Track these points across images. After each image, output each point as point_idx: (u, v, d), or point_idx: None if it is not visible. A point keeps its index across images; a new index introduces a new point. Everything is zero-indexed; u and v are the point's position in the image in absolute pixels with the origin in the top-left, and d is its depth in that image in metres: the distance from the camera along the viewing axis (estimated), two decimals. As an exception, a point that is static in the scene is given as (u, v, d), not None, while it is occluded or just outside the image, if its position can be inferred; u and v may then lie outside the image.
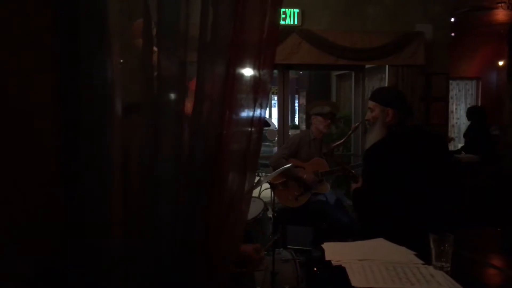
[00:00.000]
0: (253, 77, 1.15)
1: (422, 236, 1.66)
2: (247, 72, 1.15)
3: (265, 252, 2.73)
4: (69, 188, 0.98)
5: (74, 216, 0.98)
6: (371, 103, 2.57)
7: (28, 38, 0.89)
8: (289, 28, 4.84)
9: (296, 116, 14.81)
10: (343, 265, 1.66)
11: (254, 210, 3.10)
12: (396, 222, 2.27)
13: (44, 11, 0.94)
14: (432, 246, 1.61)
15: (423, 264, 1.66)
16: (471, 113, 6.43)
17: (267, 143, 9.13)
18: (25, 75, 0.90)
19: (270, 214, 3.83)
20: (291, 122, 12.70)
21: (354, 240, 2.02)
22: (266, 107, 1.24)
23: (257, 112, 1.17)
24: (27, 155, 0.90)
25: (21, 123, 0.89)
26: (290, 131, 5.85)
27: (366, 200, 2.51)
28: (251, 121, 1.17)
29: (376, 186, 2.44)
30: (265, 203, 3.92)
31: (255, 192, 5.48)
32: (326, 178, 4.14)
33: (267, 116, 15.60)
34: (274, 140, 7.15)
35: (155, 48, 1.02)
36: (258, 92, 1.15)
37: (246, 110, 1.16)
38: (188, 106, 1.07)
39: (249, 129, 1.17)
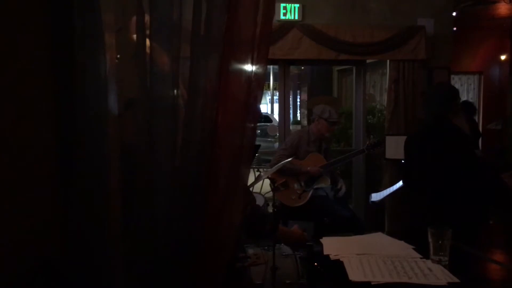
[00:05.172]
0: (247, 71, 1.15)
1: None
2: (241, 66, 1.14)
3: (266, 248, 2.75)
4: (67, 185, 0.98)
5: (71, 214, 0.98)
6: None
7: (23, 36, 0.89)
8: (290, 23, 4.82)
9: (298, 111, 14.77)
10: (341, 259, 1.66)
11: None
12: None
13: (38, 8, 0.94)
14: (430, 240, 1.61)
15: (421, 258, 1.66)
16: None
17: (269, 139, 9.15)
18: (21, 73, 0.90)
19: (271, 209, 3.83)
20: (292, 117, 12.68)
21: (355, 234, 2.03)
22: (261, 101, 1.24)
23: (251, 106, 1.17)
24: (25, 154, 0.91)
25: (18, 122, 0.89)
26: (291, 127, 5.84)
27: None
28: (245, 115, 1.16)
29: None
30: (266, 199, 3.92)
31: (257, 187, 5.48)
32: (326, 171, 4.13)
33: (269, 111, 15.60)
34: (275, 135, 7.15)
35: (151, 44, 1.02)
36: (252, 86, 1.15)
37: (240, 104, 1.15)
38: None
39: (243, 123, 1.17)
